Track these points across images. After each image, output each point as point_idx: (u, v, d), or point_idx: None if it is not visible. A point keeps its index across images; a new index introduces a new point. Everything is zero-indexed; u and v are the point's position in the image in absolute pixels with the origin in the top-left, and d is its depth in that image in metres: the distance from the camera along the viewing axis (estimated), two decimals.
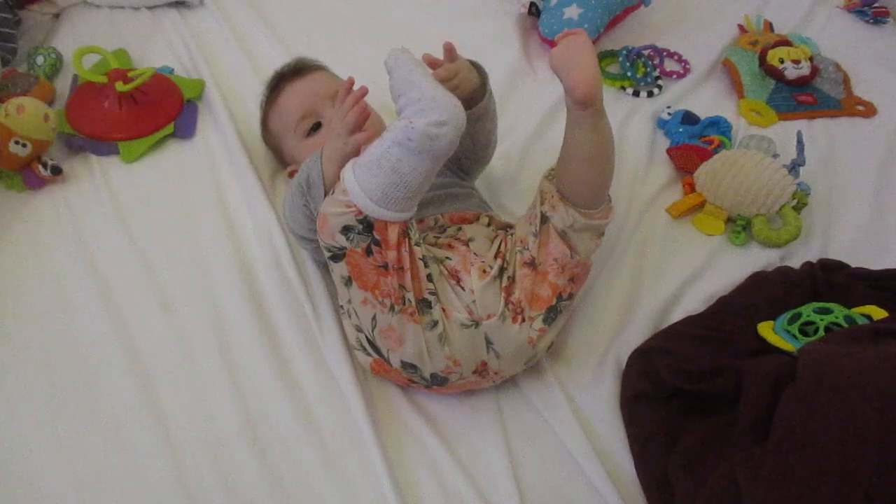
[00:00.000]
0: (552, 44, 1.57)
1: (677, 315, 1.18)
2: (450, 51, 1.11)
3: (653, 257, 1.27)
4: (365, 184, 0.88)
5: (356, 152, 0.98)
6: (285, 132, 1.23)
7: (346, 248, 0.93)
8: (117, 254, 1.19)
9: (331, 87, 1.22)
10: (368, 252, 0.92)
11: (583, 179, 1.03)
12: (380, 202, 0.88)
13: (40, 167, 1.23)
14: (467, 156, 1.20)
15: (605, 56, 1.63)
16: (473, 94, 1.13)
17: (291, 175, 1.25)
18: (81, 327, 1.10)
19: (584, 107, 0.97)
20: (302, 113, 1.20)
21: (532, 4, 1.63)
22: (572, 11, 1.54)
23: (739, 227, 1.30)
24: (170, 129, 1.35)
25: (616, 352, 1.12)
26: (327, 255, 0.97)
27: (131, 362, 1.07)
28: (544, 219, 1.04)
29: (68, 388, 1.04)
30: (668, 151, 1.43)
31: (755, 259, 1.27)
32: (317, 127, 1.20)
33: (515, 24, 1.68)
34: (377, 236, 0.91)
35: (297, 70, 1.26)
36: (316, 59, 1.31)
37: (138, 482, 0.96)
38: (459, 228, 1.07)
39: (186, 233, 1.23)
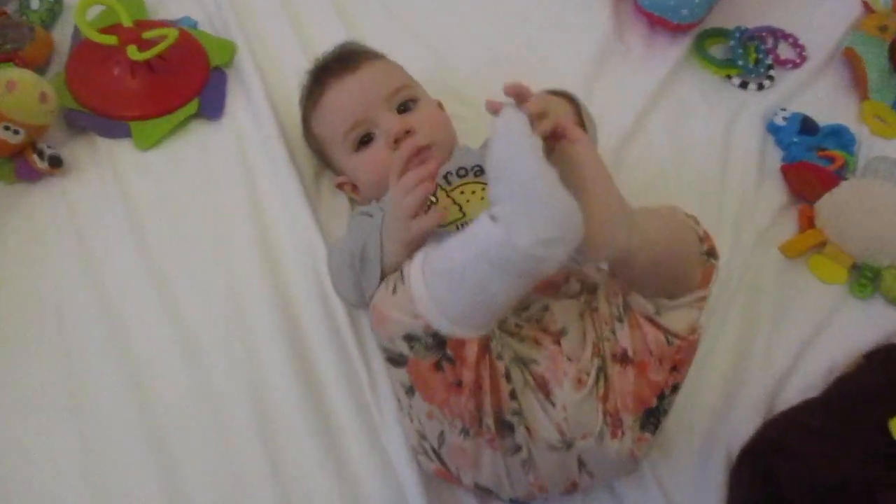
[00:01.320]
0: (651, 17, 1.34)
1: (793, 392, 0.99)
2: (519, 93, 0.77)
3: (764, 311, 1.06)
4: (440, 297, 0.68)
5: (421, 236, 0.79)
6: (331, 141, 1.00)
7: (407, 356, 0.74)
8: (129, 273, 0.99)
9: (387, 84, 0.99)
10: (438, 367, 0.72)
11: (653, 284, 0.80)
12: (458, 320, 0.69)
13: (35, 157, 1.00)
14: None
15: (712, 34, 1.37)
16: None
17: (340, 187, 1.04)
18: (84, 372, 0.92)
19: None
20: (351, 122, 0.97)
21: None
22: None
23: (866, 279, 1.09)
24: (193, 107, 1.11)
25: (725, 439, 0.94)
26: (383, 354, 0.78)
27: (146, 424, 0.89)
28: (626, 301, 0.83)
29: (69, 454, 0.87)
30: (783, 170, 1.20)
31: (882, 318, 1.08)
32: (368, 139, 0.97)
33: None
34: (450, 353, 0.71)
35: (344, 61, 1.01)
36: (365, 46, 1.07)
37: None
38: (546, 308, 0.85)
39: (213, 250, 1.02)
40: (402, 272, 0.73)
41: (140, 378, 0.92)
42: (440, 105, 1.07)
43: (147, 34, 1.08)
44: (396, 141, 0.94)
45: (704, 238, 0.83)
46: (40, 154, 1.00)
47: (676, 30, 1.31)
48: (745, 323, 1.05)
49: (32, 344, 0.94)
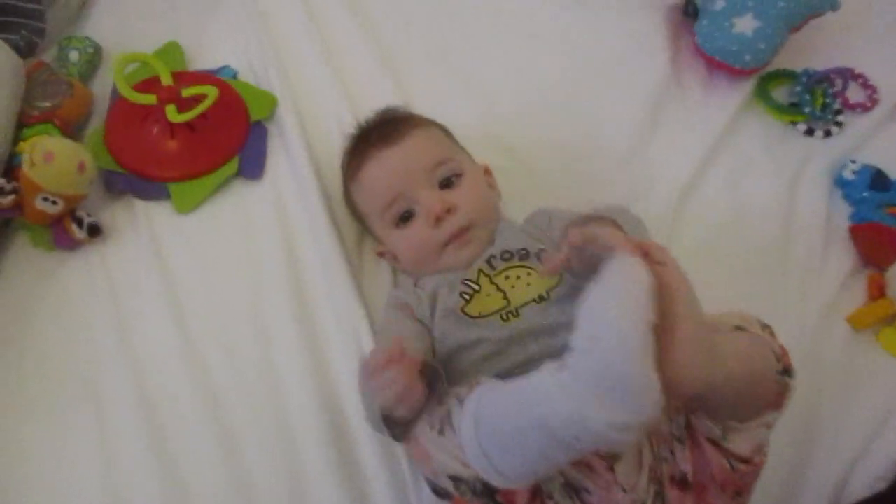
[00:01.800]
0: (712, 62, 1.25)
1: (860, 481, 0.93)
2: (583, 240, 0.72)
3: (829, 389, 0.99)
4: (495, 457, 0.62)
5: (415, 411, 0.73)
6: (370, 214, 0.97)
7: (453, 494, 0.70)
8: (168, 355, 0.96)
9: (428, 157, 0.94)
10: None
11: (724, 411, 0.75)
12: (512, 479, 0.63)
13: (74, 226, 0.98)
14: None
15: (776, 76, 1.28)
16: None
17: (381, 255, 1.01)
18: (121, 466, 0.89)
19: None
20: (389, 197, 0.93)
21: (689, 2, 1.28)
22: (746, 24, 1.19)
23: None
24: (233, 166, 1.07)
25: None
26: (427, 483, 0.75)
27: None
28: (688, 420, 0.77)
29: None
30: (852, 231, 1.13)
31: None
32: (409, 216, 0.93)
33: (664, 21, 1.33)
34: (500, 501, 0.68)
35: (384, 132, 0.96)
36: (408, 112, 1.02)
37: None
38: None
39: (250, 321, 0.99)
40: (450, 414, 0.69)
41: (179, 473, 0.89)
42: (486, 170, 1.02)
43: (186, 91, 1.05)
44: (437, 220, 0.90)
45: (781, 355, 0.77)
46: (79, 223, 0.98)
47: (739, 75, 1.24)
48: (808, 403, 0.98)
49: (66, 415, 0.92)
